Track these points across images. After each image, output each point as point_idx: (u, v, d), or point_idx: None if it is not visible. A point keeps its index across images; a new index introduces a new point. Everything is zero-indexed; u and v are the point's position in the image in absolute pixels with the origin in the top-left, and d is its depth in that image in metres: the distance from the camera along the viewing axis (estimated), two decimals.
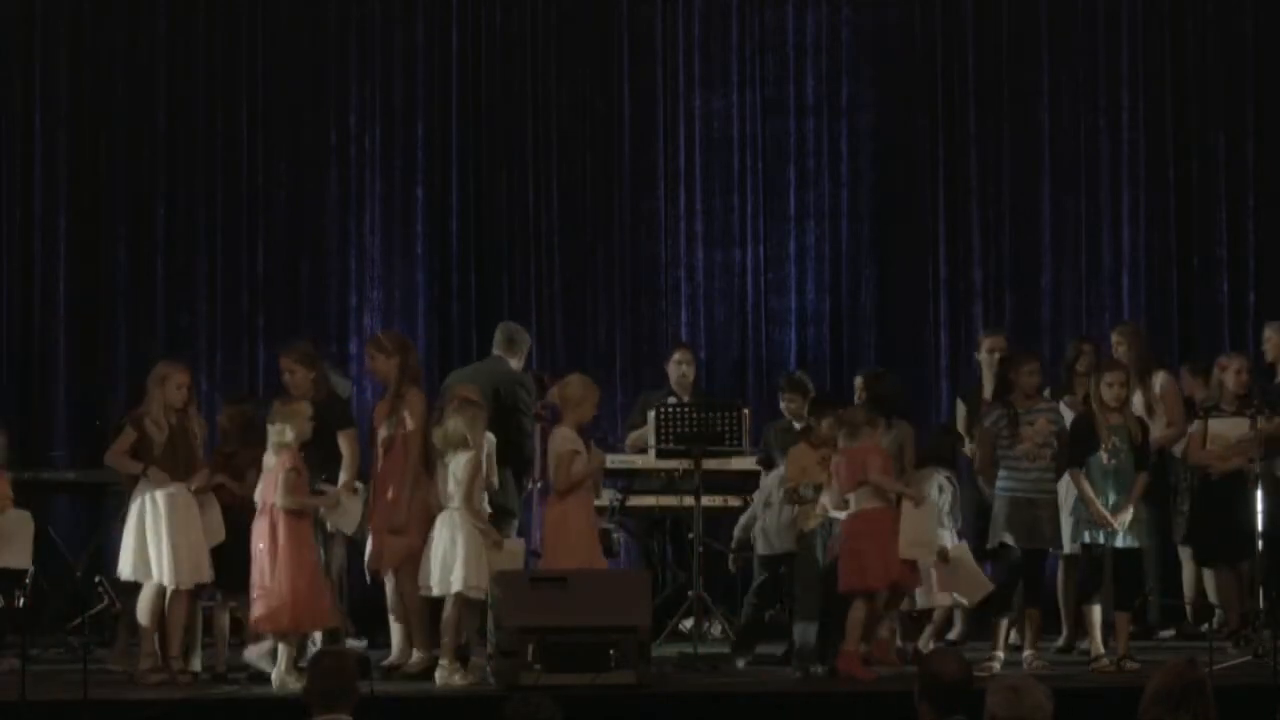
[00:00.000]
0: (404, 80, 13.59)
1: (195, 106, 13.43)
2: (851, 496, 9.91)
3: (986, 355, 11.25)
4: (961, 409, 11.40)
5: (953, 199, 13.66)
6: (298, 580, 9.64)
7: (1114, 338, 11.30)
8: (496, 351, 10.89)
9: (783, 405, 11.17)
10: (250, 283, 13.42)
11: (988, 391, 10.98)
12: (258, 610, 9.68)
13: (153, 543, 9.75)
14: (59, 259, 13.31)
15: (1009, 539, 10.14)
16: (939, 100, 13.66)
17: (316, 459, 9.97)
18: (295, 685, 9.41)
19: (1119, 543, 10.18)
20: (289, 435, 9.81)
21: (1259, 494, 10.40)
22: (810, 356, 13.40)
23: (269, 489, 9.75)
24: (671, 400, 11.62)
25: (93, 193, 13.37)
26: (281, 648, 9.67)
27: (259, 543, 9.71)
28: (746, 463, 11.31)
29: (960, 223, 13.67)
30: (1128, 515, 10.13)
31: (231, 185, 13.43)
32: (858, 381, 11.30)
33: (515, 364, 10.80)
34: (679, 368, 11.92)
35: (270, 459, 9.82)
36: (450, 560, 9.77)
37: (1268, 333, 11.49)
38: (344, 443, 10.09)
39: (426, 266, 13.55)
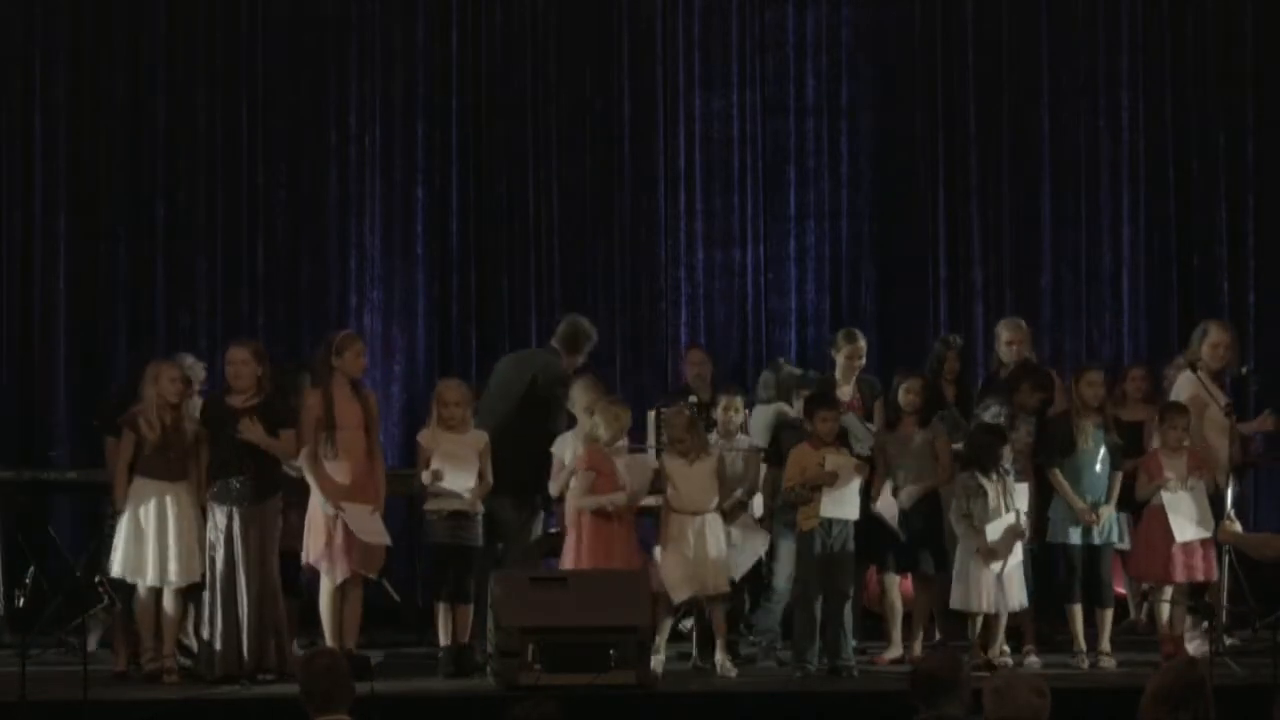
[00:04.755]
0: (404, 80, 13.58)
1: (195, 106, 13.43)
2: None
3: (845, 360, 11.24)
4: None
5: (953, 199, 13.66)
6: None
7: (1005, 335, 11.20)
8: (554, 344, 10.93)
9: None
10: (250, 283, 13.42)
11: (846, 393, 11.06)
12: None
13: (144, 542, 9.76)
14: (59, 259, 13.31)
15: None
16: (939, 100, 13.65)
17: (258, 457, 9.88)
18: None
19: (1096, 540, 10.39)
20: (601, 432, 9.86)
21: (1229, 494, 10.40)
22: (810, 356, 13.38)
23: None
24: (692, 399, 11.58)
25: (93, 193, 13.37)
26: None
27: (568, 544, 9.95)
28: None
29: (960, 223, 13.66)
30: (1106, 513, 10.35)
31: (231, 185, 13.43)
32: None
33: (569, 362, 10.84)
34: (694, 368, 11.91)
35: (571, 453, 9.96)
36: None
37: (1007, 335, 11.22)
38: (288, 442, 9.93)
39: (426, 266, 13.55)
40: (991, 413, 10.52)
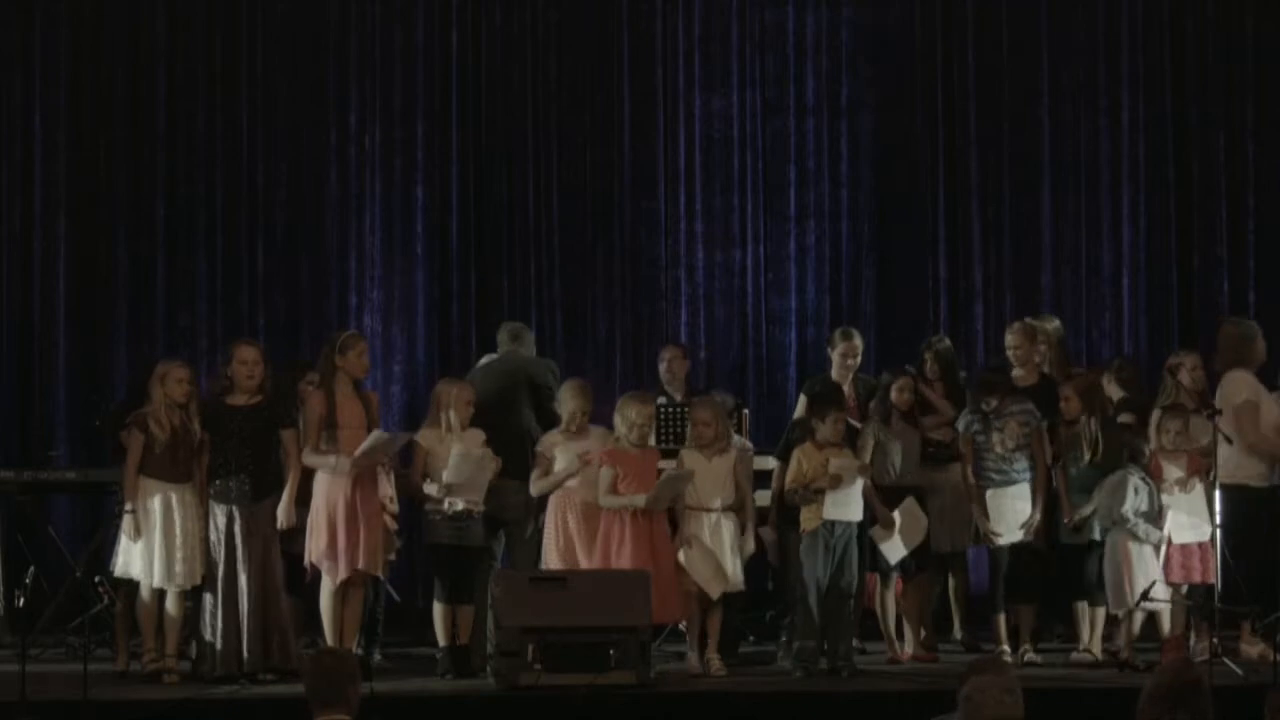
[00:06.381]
0: (404, 80, 13.58)
1: (195, 106, 13.43)
2: None
3: (839, 359, 11.21)
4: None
5: (953, 199, 13.66)
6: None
7: (1007, 340, 11.17)
8: (509, 347, 10.94)
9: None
10: (250, 283, 13.42)
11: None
12: None
13: (149, 543, 9.76)
14: (59, 259, 13.32)
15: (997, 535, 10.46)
16: (939, 100, 13.66)
17: (258, 456, 9.88)
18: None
19: (1095, 537, 10.41)
20: (622, 430, 9.97)
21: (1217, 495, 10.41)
22: (810, 356, 13.39)
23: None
24: (661, 400, 11.56)
25: (93, 193, 13.37)
26: None
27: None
28: None
29: (960, 223, 13.67)
30: (1081, 513, 10.38)
31: (231, 185, 13.44)
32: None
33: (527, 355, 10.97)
34: (663, 363, 11.90)
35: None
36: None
37: (1008, 340, 11.18)
38: (288, 441, 9.93)
39: (426, 266, 13.55)
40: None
